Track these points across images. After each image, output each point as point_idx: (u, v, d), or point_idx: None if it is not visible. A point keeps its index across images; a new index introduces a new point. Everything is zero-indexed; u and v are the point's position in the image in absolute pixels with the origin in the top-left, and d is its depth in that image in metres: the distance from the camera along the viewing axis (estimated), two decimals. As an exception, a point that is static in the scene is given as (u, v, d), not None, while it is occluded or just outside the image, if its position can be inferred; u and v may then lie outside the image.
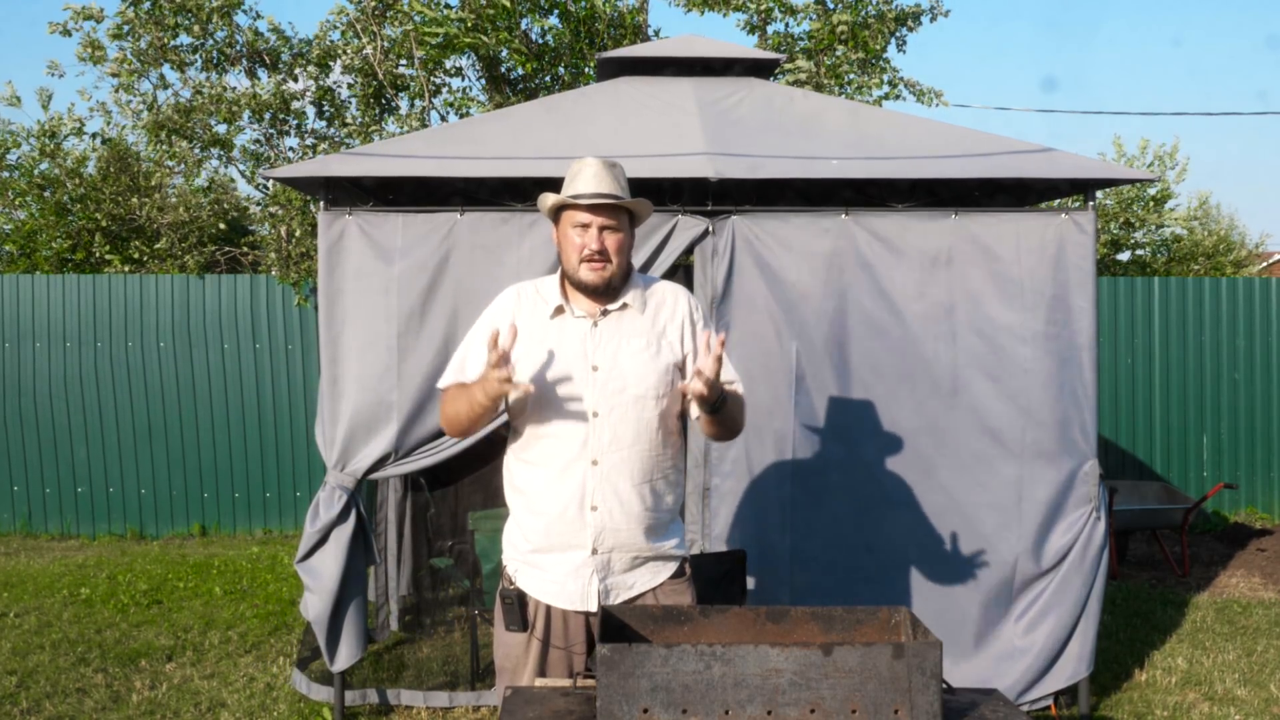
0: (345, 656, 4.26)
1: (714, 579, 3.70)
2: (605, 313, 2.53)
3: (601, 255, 2.46)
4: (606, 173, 2.49)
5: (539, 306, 2.56)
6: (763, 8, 9.71)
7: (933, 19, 9.92)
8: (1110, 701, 4.66)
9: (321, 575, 4.20)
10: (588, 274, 2.47)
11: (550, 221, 2.62)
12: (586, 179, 2.48)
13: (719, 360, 2.37)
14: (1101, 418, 6.98)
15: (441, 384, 2.63)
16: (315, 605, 4.20)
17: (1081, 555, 4.22)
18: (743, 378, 2.65)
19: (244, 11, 9.32)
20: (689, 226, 4.22)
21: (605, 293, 2.51)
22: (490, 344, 2.31)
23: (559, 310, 2.54)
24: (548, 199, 2.54)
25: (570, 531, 2.50)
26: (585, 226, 2.47)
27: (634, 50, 5.14)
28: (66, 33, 9.10)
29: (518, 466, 2.60)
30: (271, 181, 9.26)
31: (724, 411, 2.49)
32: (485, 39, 8.61)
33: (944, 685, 2.09)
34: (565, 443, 2.49)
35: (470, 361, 2.55)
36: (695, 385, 2.35)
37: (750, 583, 3.96)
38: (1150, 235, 13.60)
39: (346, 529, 4.20)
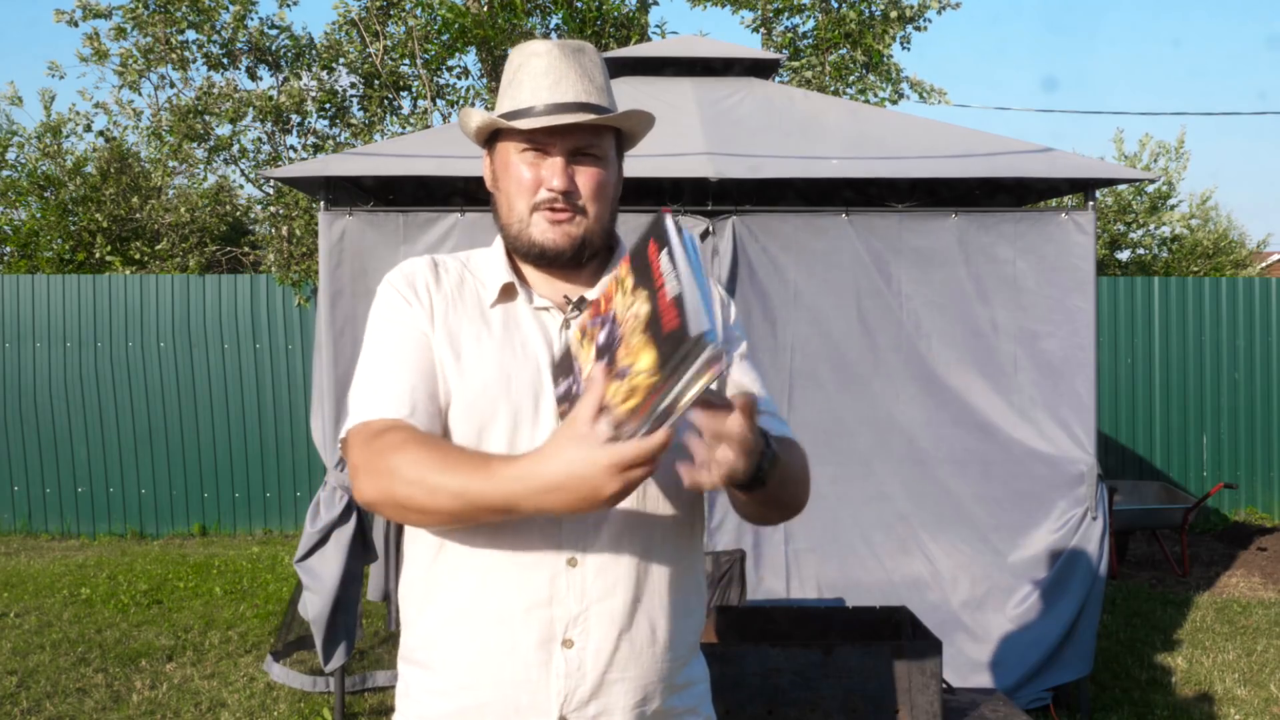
0: (339, 656, 4.27)
1: (714, 579, 3.71)
2: (581, 302, 1.51)
3: (569, 200, 1.47)
4: (569, 65, 1.48)
5: (470, 289, 1.53)
6: (770, 4, 9.72)
7: (939, 11, 9.89)
8: (1110, 701, 4.66)
9: (321, 575, 4.20)
10: (545, 229, 1.48)
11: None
12: (535, 79, 1.48)
13: (749, 421, 1.23)
14: (1101, 417, 6.98)
15: (366, 414, 1.41)
16: (315, 605, 4.20)
17: (1079, 554, 4.22)
18: None
19: (254, 10, 9.35)
20: (689, 226, 4.22)
21: (576, 265, 1.52)
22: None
23: (506, 292, 1.51)
24: (471, 119, 1.54)
25: (521, 685, 1.42)
26: (541, 152, 1.48)
27: (634, 50, 5.15)
28: (74, 23, 9.13)
29: (424, 562, 1.49)
30: (273, 182, 9.27)
31: (771, 481, 1.32)
32: (493, 32, 8.64)
33: (944, 685, 2.09)
34: (518, 527, 1.40)
35: (425, 387, 1.43)
36: (722, 463, 1.22)
37: (750, 582, 3.96)
38: (1148, 236, 13.62)
39: (347, 529, 4.20)
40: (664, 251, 1.14)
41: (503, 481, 1.23)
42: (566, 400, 1.32)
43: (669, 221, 1.17)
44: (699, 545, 1.56)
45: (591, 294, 1.47)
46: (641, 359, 1.14)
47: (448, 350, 1.45)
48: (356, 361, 1.50)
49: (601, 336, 1.21)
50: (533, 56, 1.49)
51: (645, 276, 1.16)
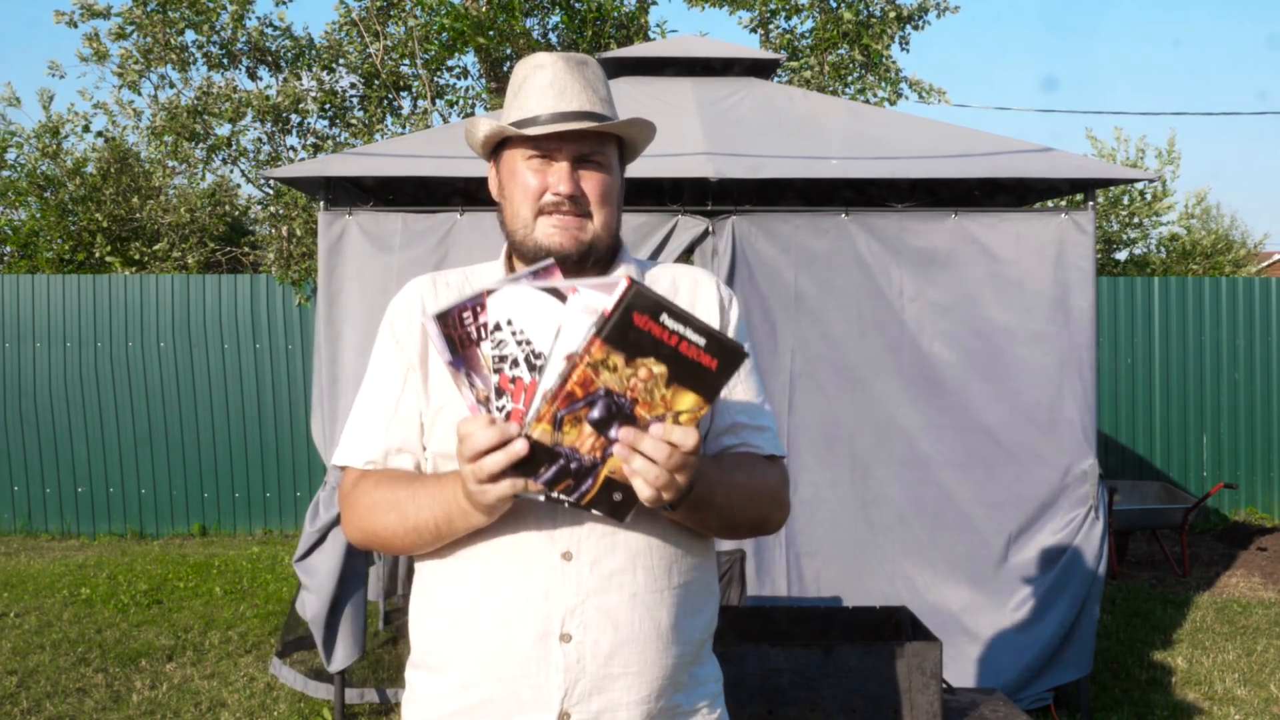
0: (342, 657, 4.26)
1: (714, 579, 3.71)
2: None
3: (575, 204, 1.52)
4: (573, 76, 1.54)
5: None
6: (767, 5, 9.73)
7: (939, 15, 9.90)
8: (1110, 701, 4.66)
9: (319, 575, 4.20)
10: (551, 232, 1.51)
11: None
12: (541, 90, 1.53)
13: (664, 446, 1.26)
14: (1101, 418, 6.99)
15: (344, 460, 1.56)
16: (313, 604, 4.20)
17: (1079, 554, 4.23)
18: None
19: (250, 10, 9.37)
20: (689, 226, 4.22)
21: (580, 269, 1.54)
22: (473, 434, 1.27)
23: None
24: (479, 128, 1.58)
25: (521, 680, 1.45)
26: (546, 159, 1.53)
27: (634, 50, 5.15)
28: (73, 24, 9.16)
29: (430, 568, 1.54)
30: (273, 181, 9.28)
31: (682, 509, 1.39)
32: (489, 37, 8.64)
33: (944, 685, 2.09)
34: (515, 525, 1.44)
35: (400, 426, 1.53)
36: (636, 471, 1.27)
37: (750, 582, 3.96)
38: (1143, 234, 13.63)
39: (346, 529, 4.19)
40: (662, 316, 1.22)
41: (432, 506, 1.42)
42: (560, 480, 1.29)
43: (639, 289, 1.21)
44: (708, 544, 1.58)
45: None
46: (680, 402, 1.27)
47: (440, 376, 1.49)
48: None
49: (596, 413, 1.26)
50: (538, 69, 1.54)
51: (643, 347, 1.23)
